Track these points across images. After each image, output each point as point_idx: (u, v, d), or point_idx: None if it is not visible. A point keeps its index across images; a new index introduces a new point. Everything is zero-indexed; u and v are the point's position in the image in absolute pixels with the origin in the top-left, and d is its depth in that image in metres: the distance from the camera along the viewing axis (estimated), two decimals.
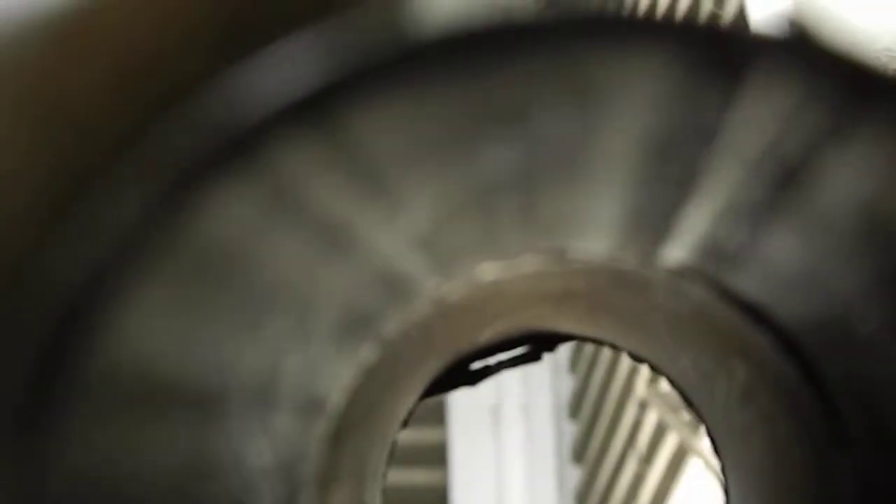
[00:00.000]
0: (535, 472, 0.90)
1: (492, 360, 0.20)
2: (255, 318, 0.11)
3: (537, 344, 0.21)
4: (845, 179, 0.11)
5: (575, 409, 0.93)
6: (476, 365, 0.20)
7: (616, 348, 0.21)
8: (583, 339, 0.21)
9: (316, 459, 0.15)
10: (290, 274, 0.11)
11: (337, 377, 0.15)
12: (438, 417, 0.91)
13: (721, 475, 0.20)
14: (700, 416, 0.20)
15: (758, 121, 0.09)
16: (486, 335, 0.20)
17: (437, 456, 0.91)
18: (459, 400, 0.86)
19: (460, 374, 0.20)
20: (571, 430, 0.93)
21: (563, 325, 0.21)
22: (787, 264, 0.14)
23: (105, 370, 0.09)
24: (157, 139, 0.08)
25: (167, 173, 0.08)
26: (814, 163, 0.10)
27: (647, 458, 0.74)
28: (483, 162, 0.09)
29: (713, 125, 0.09)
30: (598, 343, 0.21)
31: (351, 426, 0.16)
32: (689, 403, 0.20)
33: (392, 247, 0.12)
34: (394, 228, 0.11)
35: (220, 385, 0.12)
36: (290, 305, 0.12)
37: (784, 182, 0.11)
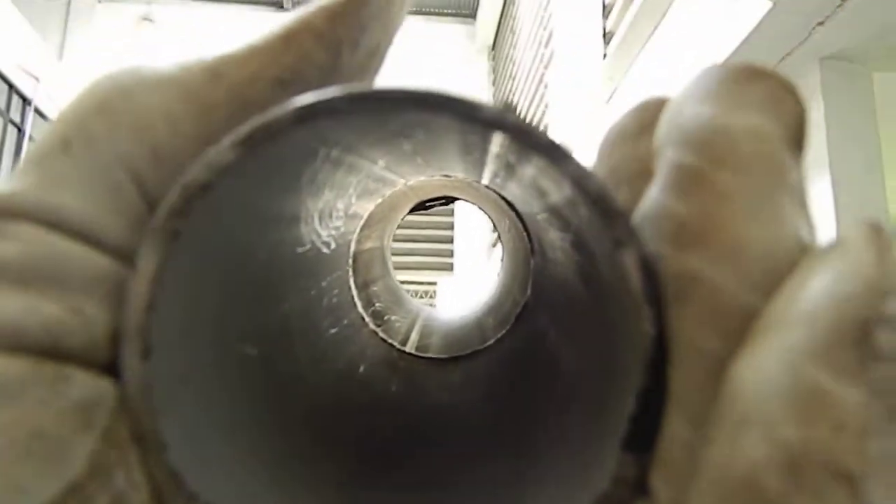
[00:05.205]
0: None
1: (431, 204, 0.42)
2: (321, 184, 0.18)
3: (446, 200, 0.41)
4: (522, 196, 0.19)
5: None
6: (427, 205, 0.41)
7: (475, 205, 0.36)
8: (465, 201, 0.36)
9: (358, 231, 0.29)
10: (338, 173, 0.18)
11: (365, 206, 0.28)
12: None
13: (500, 259, 0.35)
14: (500, 239, 0.37)
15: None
16: (427, 197, 0.36)
17: None
18: None
19: (420, 207, 0.41)
20: None
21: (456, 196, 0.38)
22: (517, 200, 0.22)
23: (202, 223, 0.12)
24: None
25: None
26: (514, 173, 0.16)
27: None
28: (395, 128, 0.14)
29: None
30: (470, 203, 0.40)
31: (374, 223, 0.30)
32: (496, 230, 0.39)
33: (379, 170, 0.20)
34: (376, 164, 0.19)
35: (300, 212, 0.18)
36: (339, 183, 0.19)
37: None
